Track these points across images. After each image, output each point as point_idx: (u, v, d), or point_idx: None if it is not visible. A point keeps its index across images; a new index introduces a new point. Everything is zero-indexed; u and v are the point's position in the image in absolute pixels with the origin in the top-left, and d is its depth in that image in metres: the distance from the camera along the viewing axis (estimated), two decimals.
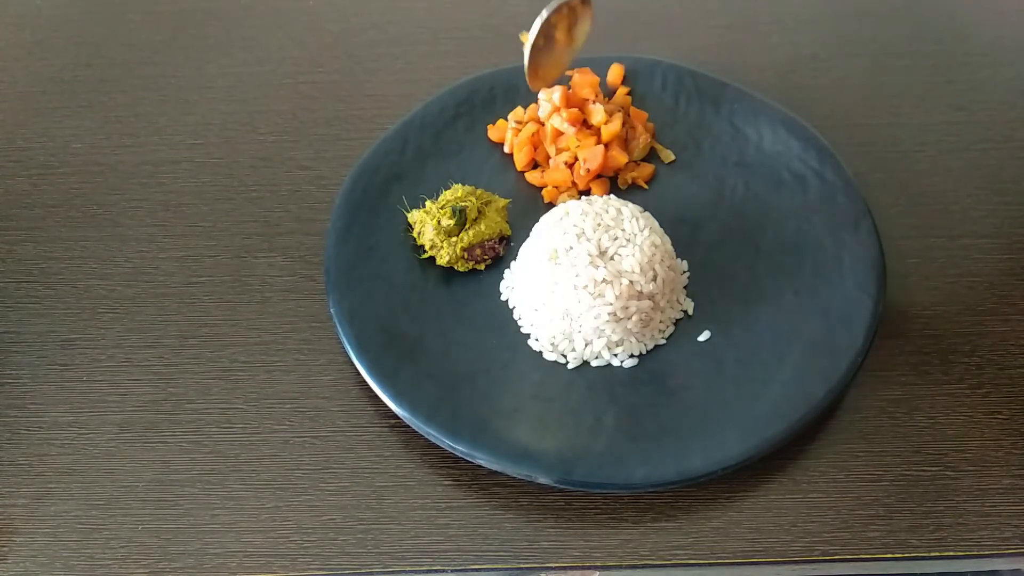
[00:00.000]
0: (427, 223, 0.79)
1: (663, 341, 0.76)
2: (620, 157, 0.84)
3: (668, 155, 0.86)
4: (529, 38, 0.76)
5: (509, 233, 0.81)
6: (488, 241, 0.79)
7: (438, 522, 0.69)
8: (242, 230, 0.84)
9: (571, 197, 0.83)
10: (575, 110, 0.85)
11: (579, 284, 0.73)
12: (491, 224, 0.80)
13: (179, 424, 0.73)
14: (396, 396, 0.71)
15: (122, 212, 0.85)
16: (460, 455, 0.69)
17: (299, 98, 0.93)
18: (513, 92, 0.88)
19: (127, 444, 0.73)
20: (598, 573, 0.68)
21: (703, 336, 0.76)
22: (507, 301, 0.78)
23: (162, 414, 0.74)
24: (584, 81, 0.86)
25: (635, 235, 0.75)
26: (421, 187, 0.83)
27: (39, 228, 0.84)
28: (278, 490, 0.70)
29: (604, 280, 0.73)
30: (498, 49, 0.95)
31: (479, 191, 0.82)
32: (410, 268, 0.79)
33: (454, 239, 0.78)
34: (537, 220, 0.79)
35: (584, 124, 0.85)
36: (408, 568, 0.67)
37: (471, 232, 0.79)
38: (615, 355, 0.75)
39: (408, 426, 0.71)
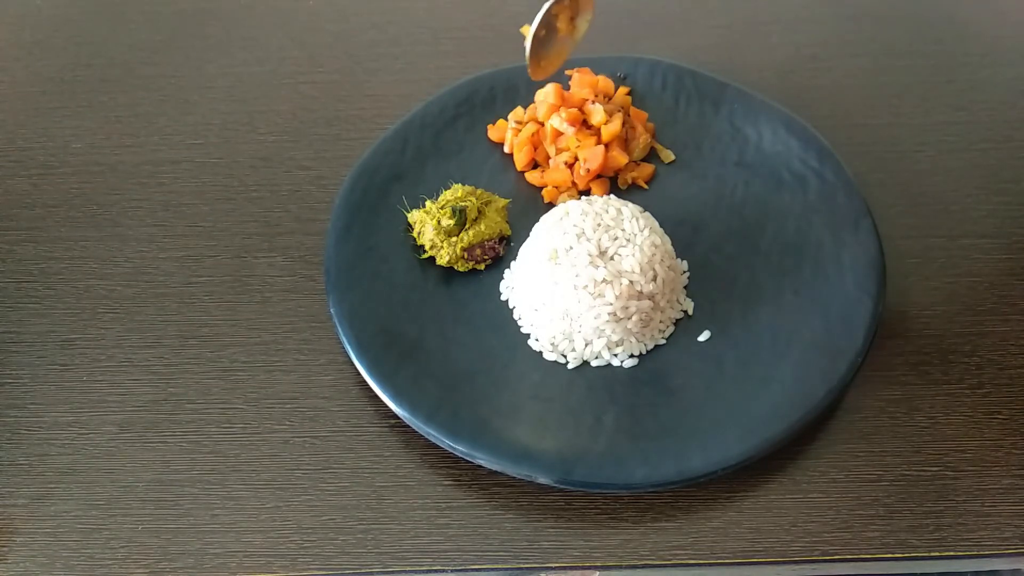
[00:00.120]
0: (427, 223, 0.79)
1: (663, 341, 0.76)
2: (620, 157, 0.84)
3: (668, 155, 0.87)
4: (531, 28, 0.76)
5: (509, 233, 0.81)
6: (488, 241, 0.79)
7: (438, 522, 0.69)
8: (242, 230, 0.84)
9: (571, 197, 0.83)
10: (575, 110, 0.85)
11: (579, 284, 0.73)
12: (491, 224, 0.80)
13: (179, 424, 0.73)
14: (396, 396, 0.71)
15: (122, 212, 0.85)
16: (460, 455, 0.69)
17: (299, 98, 0.93)
18: (513, 92, 0.88)
19: (127, 444, 0.73)
20: (598, 573, 0.68)
21: (703, 336, 0.76)
22: (507, 301, 0.78)
23: (162, 414, 0.74)
24: (583, 81, 0.86)
25: (635, 235, 0.75)
26: (421, 187, 0.83)
27: (39, 228, 0.84)
28: (278, 490, 0.70)
29: (604, 280, 0.73)
30: (498, 49, 0.95)
31: (479, 191, 0.82)
32: (410, 268, 0.79)
33: (454, 239, 0.78)
34: (537, 220, 0.79)
35: (584, 124, 0.85)
36: (408, 568, 0.67)
37: (471, 232, 0.79)
38: (615, 355, 0.75)
39: (408, 426, 0.71)
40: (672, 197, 0.84)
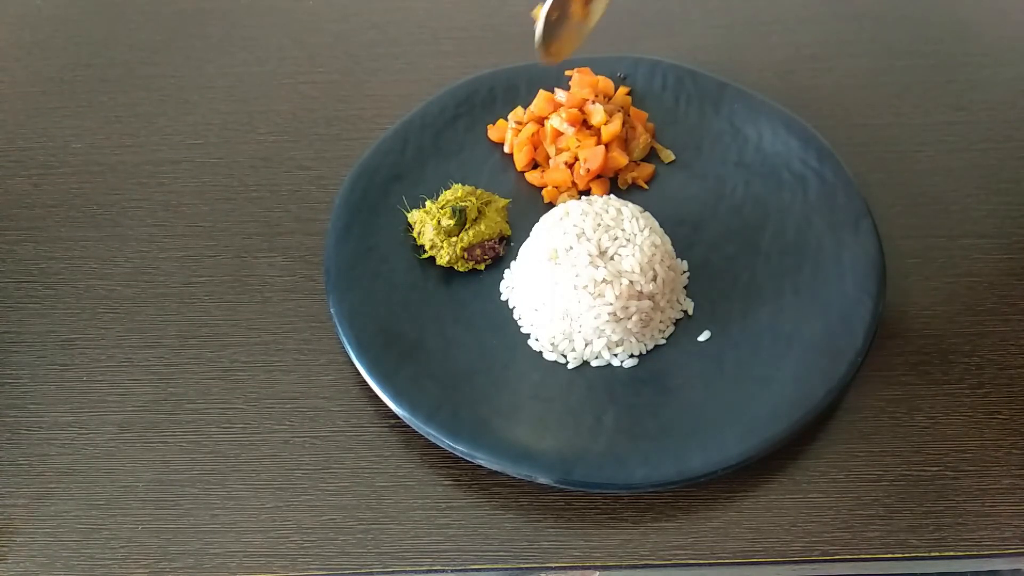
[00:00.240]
0: (427, 223, 0.79)
1: (663, 341, 0.76)
2: (620, 158, 0.84)
3: (668, 155, 0.87)
4: (543, 10, 0.75)
5: (509, 233, 0.81)
6: (488, 241, 0.79)
7: (438, 522, 0.69)
8: (242, 230, 0.84)
9: (571, 197, 0.83)
10: (575, 110, 0.85)
11: (579, 284, 0.73)
12: (491, 224, 0.80)
13: (179, 424, 0.73)
14: (396, 396, 0.71)
15: (122, 212, 0.85)
16: (460, 455, 0.69)
17: (299, 98, 0.93)
18: (513, 92, 0.88)
19: (127, 444, 0.73)
20: (598, 573, 0.68)
21: (703, 336, 0.76)
22: (507, 301, 0.78)
23: (162, 414, 0.74)
24: (583, 81, 0.86)
25: (635, 235, 0.75)
26: (421, 187, 0.83)
27: (39, 228, 0.84)
28: (278, 490, 0.70)
29: (604, 280, 0.73)
30: (498, 49, 0.95)
31: (479, 191, 0.82)
32: (410, 268, 0.79)
33: (454, 239, 0.78)
34: (537, 220, 0.79)
35: (584, 124, 0.85)
36: (408, 568, 0.67)
37: (471, 232, 0.79)
38: (615, 355, 0.75)
39: (408, 426, 0.71)
40: (672, 197, 0.84)
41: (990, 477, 0.70)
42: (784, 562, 0.67)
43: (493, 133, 0.87)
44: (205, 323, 0.78)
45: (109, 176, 0.87)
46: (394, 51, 0.97)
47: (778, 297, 0.77)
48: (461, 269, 0.79)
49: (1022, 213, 0.84)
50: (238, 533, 0.69)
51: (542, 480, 0.68)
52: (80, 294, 0.80)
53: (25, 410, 0.74)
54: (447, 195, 0.81)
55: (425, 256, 0.79)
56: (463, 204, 0.79)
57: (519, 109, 0.87)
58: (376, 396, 0.72)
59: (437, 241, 0.78)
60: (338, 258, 0.78)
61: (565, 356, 0.75)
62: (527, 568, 0.67)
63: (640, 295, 0.74)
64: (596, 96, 0.86)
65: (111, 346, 0.77)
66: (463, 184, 0.82)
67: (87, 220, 0.85)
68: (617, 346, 0.75)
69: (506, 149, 0.86)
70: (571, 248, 0.75)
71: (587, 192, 0.84)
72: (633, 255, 0.74)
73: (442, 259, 0.78)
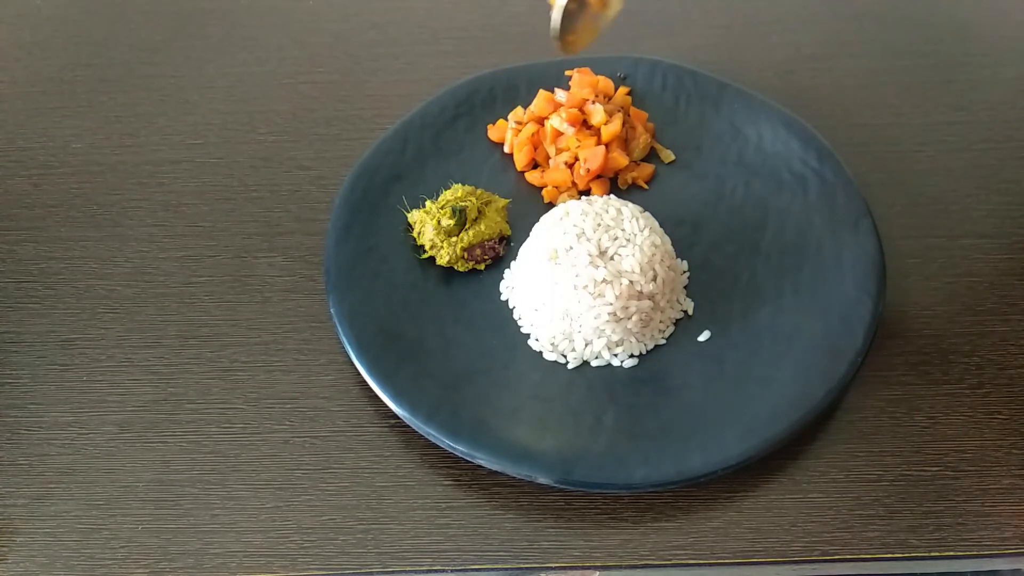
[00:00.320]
0: (427, 223, 0.79)
1: (663, 341, 0.76)
2: (620, 159, 0.84)
3: (668, 155, 0.87)
4: None
5: (509, 233, 0.81)
6: (488, 241, 0.79)
7: (438, 522, 0.69)
8: (242, 230, 0.84)
9: (571, 197, 0.83)
10: (575, 110, 0.85)
11: (579, 284, 0.73)
12: (491, 224, 0.80)
13: (179, 424, 0.73)
14: (396, 396, 0.71)
15: (122, 212, 0.85)
16: (460, 455, 0.69)
17: (299, 98, 0.93)
18: (513, 92, 0.88)
19: (127, 444, 0.73)
20: (598, 573, 0.68)
21: (703, 336, 0.76)
22: (507, 301, 0.78)
23: (162, 414, 0.74)
24: (583, 81, 0.86)
25: (635, 235, 0.75)
26: (421, 187, 0.83)
27: (39, 228, 0.84)
28: (278, 490, 0.70)
29: (604, 280, 0.73)
30: (498, 49, 0.95)
31: (479, 191, 0.82)
32: (410, 268, 0.79)
33: (454, 239, 0.78)
34: (537, 220, 0.79)
35: (584, 124, 0.85)
36: (408, 568, 0.67)
37: (471, 232, 0.79)
38: (615, 355, 0.75)
39: (408, 426, 0.71)
40: (672, 197, 0.84)
41: (990, 477, 0.70)
42: (784, 562, 0.67)
43: (493, 133, 0.87)
44: (205, 323, 0.78)
45: (109, 176, 0.87)
46: (394, 51, 0.97)
47: (778, 297, 0.77)
48: (461, 269, 0.79)
49: (1022, 213, 0.84)
50: (238, 533, 0.69)
51: (542, 480, 0.68)
52: (80, 294, 0.80)
53: (25, 410, 0.74)
54: (447, 195, 0.81)
55: (425, 256, 0.79)
56: (463, 204, 0.79)
57: (519, 109, 0.87)
58: (376, 396, 0.72)
59: (437, 241, 0.78)
60: (338, 258, 0.78)
61: (565, 356, 0.75)
62: (527, 568, 0.67)
63: (640, 295, 0.74)
64: (596, 96, 0.86)
65: (111, 346, 0.77)
66: (463, 184, 0.82)
67: (87, 220, 0.85)
68: (617, 346, 0.75)
69: (506, 149, 0.86)
70: (571, 248, 0.75)
71: (587, 192, 0.84)
72: (633, 255, 0.74)
73: (442, 259, 0.78)
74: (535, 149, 0.85)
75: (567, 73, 0.87)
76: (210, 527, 0.69)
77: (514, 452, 0.69)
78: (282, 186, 0.87)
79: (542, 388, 0.73)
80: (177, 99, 0.93)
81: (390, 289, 0.77)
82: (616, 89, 0.88)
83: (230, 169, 0.88)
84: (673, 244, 0.79)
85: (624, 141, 0.85)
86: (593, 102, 0.85)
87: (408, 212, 0.81)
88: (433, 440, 0.70)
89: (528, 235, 0.79)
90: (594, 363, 0.75)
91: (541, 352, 0.75)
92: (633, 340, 0.75)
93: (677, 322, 0.77)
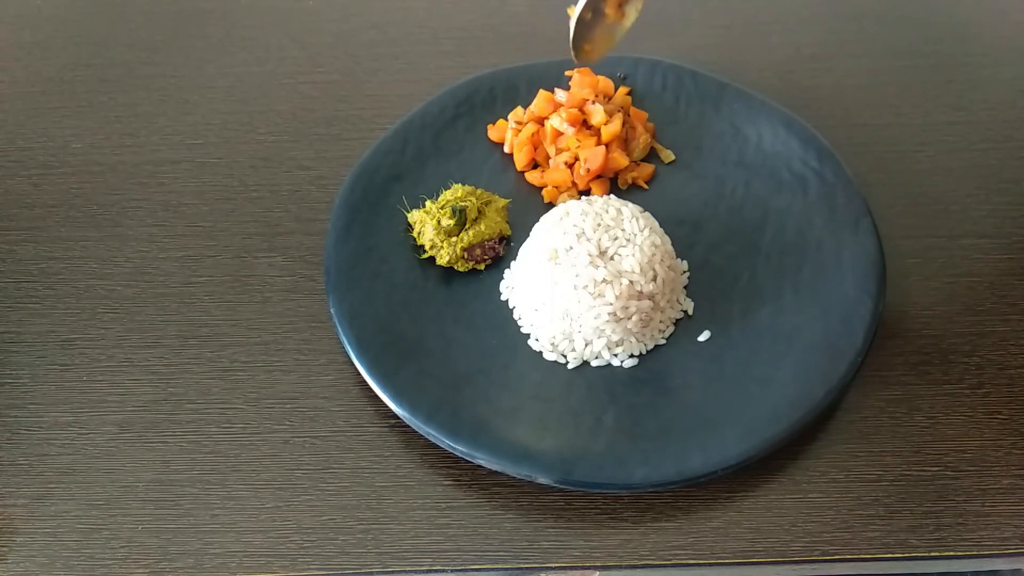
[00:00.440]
0: (427, 223, 0.79)
1: (663, 341, 0.76)
2: (621, 159, 0.84)
3: (668, 155, 0.87)
4: (576, 9, 0.74)
5: (509, 233, 0.81)
6: (488, 241, 0.79)
7: (438, 522, 0.69)
8: (242, 230, 0.84)
9: (571, 197, 0.83)
10: (575, 111, 0.85)
11: (579, 284, 0.73)
12: (491, 224, 0.80)
13: (179, 424, 0.73)
14: (396, 396, 0.71)
15: (122, 212, 0.85)
16: (460, 455, 0.69)
17: (299, 98, 0.93)
18: (513, 92, 0.88)
19: (127, 444, 0.73)
20: (598, 573, 0.68)
21: (703, 336, 0.76)
22: (507, 301, 0.78)
23: (162, 414, 0.74)
24: (583, 81, 0.86)
25: (635, 235, 0.75)
26: (421, 187, 0.83)
27: (39, 228, 0.84)
28: (278, 490, 0.70)
29: (604, 280, 0.73)
30: (498, 49, 0.95)
31: (479, 191, 0.82)
32: (410, 268, 0.79)
33: (454, 239, 0.78)
34: (537, 220, 0.79)
35: (584, 124, 0.85)
36: (408, 568, 0.67)
37: (471, 232, 0.79)
38: (615, 355, 0.75)
39: (408, 426, 0.71)
40: (672, 197, 0.84)
41: (990, 477, 0.70)
42: (784, 562, 0.67)
43: (493, 133, 0.87)
44: (205, 323, 0.78)
45: (109, 176, 0.87)
46: (394, 51, 0.97)
47: (778, 297, 0.77)
48: (461, 269, 0.79)
49: (1022, 213, 0.84)
50: (238, 533, 0.69)
51: (542, 480, 0.68)
52: (80, 294, 0.80)
53: (25, 410, 0.74)
54: (447, 195, 0.81)
55: (425, 256, 0.79)
56: (463, 204, 0.79)
57: (519, 109, 0.87)
58: (376, 396, 0.72)
59: (437, 241, 0.78)
60: (338, 258, 0.78)
61: (565, 356, 0.75)
62: (527, 568, 0.67)
63: (640, 295, 0.74)
64: (596, 96, 0.86)
65: (111, 346, 0.77)
66: (463, 184, 0.82)
67: (87, 220, 0.85)
68: (617, 346, 0.75)
69: (506, 149, 0.86)
70: (571, 248, 0.75)
71: (587, 192, 0.84)
72: (633, 255, 0.74)
73: (442, 259, 0.78)
74: (535, 149, 0.85)
75: (567, 73, 0.87)
76: (210, 527, 0.69)
77: (514, 452, 0.69)
78: (282, 186, 0.87)
79: (542, 388, 0.73)
80: (177, 99, 0.93)
81: (390, 289, 0.77)
82: (616, 89, 0.88)
83: (230, 169, 0.88)
84: (673, 244, 0.79)
85: (624, 141, 0.85)
86: (593, 102, 0.85)
87: (408, 212, 0.81)
88: (433, 440, 0.70)
89: (528, 235, 0.79)
90: (594, 363, 0.75)
91: (541, 352, 0.75)
92: (633, 340, 0.75)
93: (677, 322, 0.77)
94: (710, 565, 0.67)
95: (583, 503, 0.70)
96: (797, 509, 0.69)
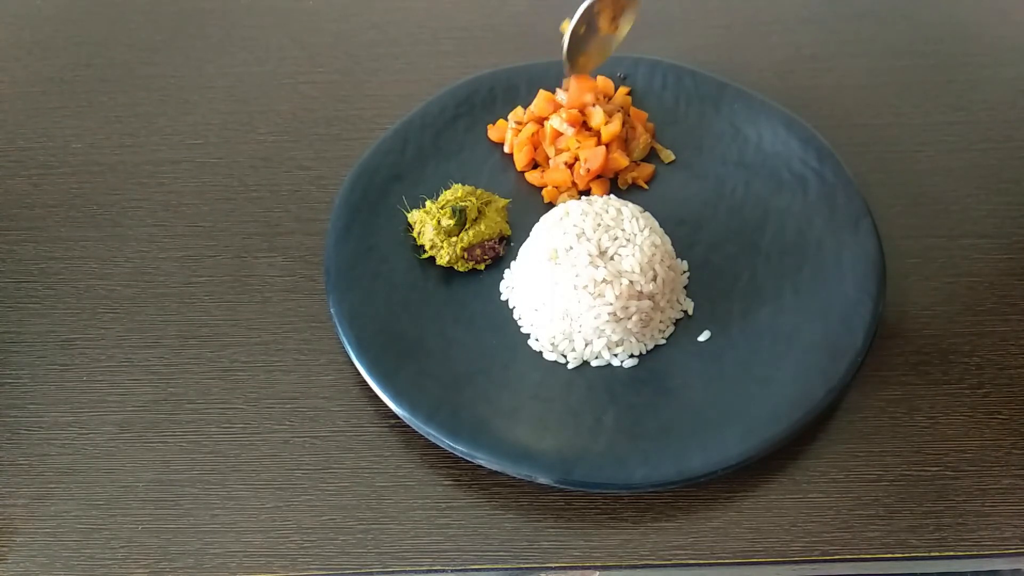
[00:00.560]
0: (427, 223, 0.79)
1: (663, 341, 0.76)
2: (621, 159, 0.84)
3: (668, 155, 0.87)
4: (570, 25, 0.75)
5: (509, 233, 0.81)
6: (488, 241, 0.79)
7: (438, 522, 0.69)
8: (242, 230, 0.84)
9: (571, 197, 0.83)
10: (575, 111, 0.85)
11: (579, 284, 0.73)
12: (491, 224, 0.80)
13: (179, 424, 0.73)
14: (396, 396, 0.71)
15: (122, 212, 0.85)
16: (460, 455, 0.69)
17: (299, 98, 0.93)
18: (513, 92, 0.88)
19: (127, 444, 0.73)
20: (598, 573, 0.68)
21: (703, 336, 0.76)
22: (507, 301, 0.78)
23: (162, 414, 0.74)
24: (583, 82, 0.86)
25: (635, 235, 0.75)
26: (421, 187, 0.83)
27: (39, 228, 0.84)
28: (278, 490, 0.70)
29: (604, 280, 0.73)
30: (498, 49, 0.95)
31: (479, 191, 0.82)
32: (410, 268, 0.79)
33: (454, 239, 0.78)
34: (537, 220, 0.79)
35: (584, 125, 0.85)
36: (408, 568, 0.67)
37: (471, 232, 0.79)
38: (615, 355, 0.75)
39: (408, 426, 0.71)
40: (672, 197, 0.84)
41: (990, 477, 0.70)
42: (784, 562, 0.67)
43: (493, 133, 0.87)
44: (205, 323, 0.78)
45: (109, 176, 0.87)
46: (394, 51, 0.97)
47: (778, 297, 0.77)
48: (461, 269, 0.79)
49: (1022, 213, 0.84)
50: (238, 533, 0.69)
51: (542, 480, 0.68)
52: (80, 294, 0.80)
53: (25, 410, 0.74)
54: (447, 195, 0.81)
55: (425, 256, 0.79)
56: (463, 204, 0.79)
57: (519, 109, 0.87)
58: (376, 396, 0.72)
59: (437, 241, 0.78)
60: (338, 258, 0.78)
61: (565, 356, 0.75)
62: (527, 568, 0.67)
63: (640, 295, 0.74)
64: (596, 96, 0.86)
65: (111, 346, 0.77)
66: (463, 184, 0.82)
67: (87, 220, 0.85)
68: (617, 346, 0.75)
69: (506, 149, 0.86)
70: (571, 248, 0.75)
71: (587, 192, 0.84)
72: (633, 255, 0.74)
73: (442, 259, 0.78)
74: (535, 149, 0.85)
75: (564, 84, 0.87)
76: (210, 527, 0.69)
77: (514, 452, 0.69)
78: (282, 186, 0.87)
79: (542, 388, 0.73)
80: (177, 99, 0.93)
81: (390, 289, 0.77)
82: (616, 89, 0.88)
83: (230, 169, 0.88)
84: (673, 244, 0.79)
85: (624, 141, 0.85)
86: (593, 104, 0.85)
87: (408, 212, 0.81)
88: (433, 440, 0.70)
89: (528, 235, 0.79)
90: (594, 363, 0.75)
91: (541, 352, 0.75)
92: (633, 340, 0.75)
93: (677, 322, 0.77)
94: (710, 565, 0.67)
95: (583, 503, 0.70)
96: (797, 509, 0.69)
